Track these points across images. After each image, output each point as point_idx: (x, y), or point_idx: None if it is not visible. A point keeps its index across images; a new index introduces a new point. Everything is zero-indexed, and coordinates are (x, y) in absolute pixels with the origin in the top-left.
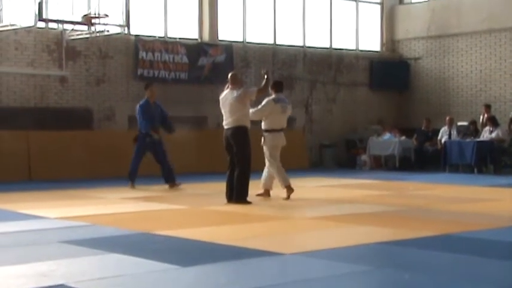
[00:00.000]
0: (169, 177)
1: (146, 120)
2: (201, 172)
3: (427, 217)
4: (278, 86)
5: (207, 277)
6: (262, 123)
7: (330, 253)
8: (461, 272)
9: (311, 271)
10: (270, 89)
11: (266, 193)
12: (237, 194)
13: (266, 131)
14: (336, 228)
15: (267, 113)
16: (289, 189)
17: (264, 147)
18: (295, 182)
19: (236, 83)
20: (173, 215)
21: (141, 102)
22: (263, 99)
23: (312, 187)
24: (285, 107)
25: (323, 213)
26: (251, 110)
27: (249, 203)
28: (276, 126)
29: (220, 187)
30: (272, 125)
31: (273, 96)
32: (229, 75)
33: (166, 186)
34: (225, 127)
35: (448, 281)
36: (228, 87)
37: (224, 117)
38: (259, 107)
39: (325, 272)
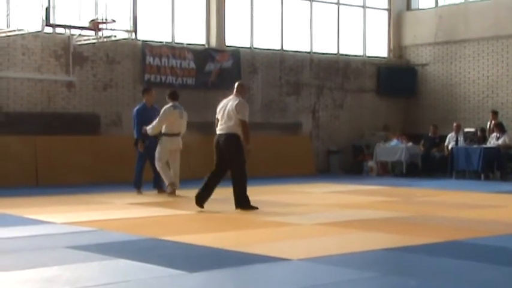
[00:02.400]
0: (159, 183)
1: (139, 126)
2: None
3: (433, 223)
4: (174, 95)
5: (214, 283)
6: (163, 128)
7: (337, 259)
8: (468, 278)
9: (318, 277)
10: (167, 97)
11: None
12: (240, 202)
13: (164, 134)
14: (343, 234)
15: (167, 119)
16: (172, 185)
17: (158, 148)
18: (302, 188)
19: (241, 92)
20: (180, 220)
21: (137, 107)
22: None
23: (318, 193)
24: (182, 113)
25: (330, 219)
26: (151, 126)
27: (256, 208)
28: (175, 130)
29: (226, 192)
30: (171, 130)
31: (171, 104)
32: (237, 83)
33: (155, 192)
34: (218, 132)
35: (453, 287)
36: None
37: (219, 122)
38: (158, 118)
39: (332, 278)
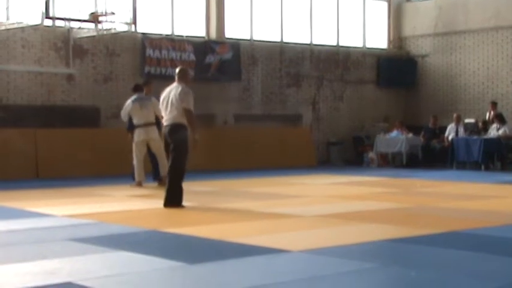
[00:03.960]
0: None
1: None
2: (209, 170)
3: (434, 214)
4: (135, 88)
5: (214, 274)
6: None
7: (337, 250)
8: (467, 268)
9: (319, 268)
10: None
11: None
12: (168, 198)
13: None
14: (343, 225)
15: (127, 112)
16: (139, 185)
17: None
18: (302, 180)
19: (183, 79)
20: (180, 212)
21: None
22: None
23: (319, 184)
24: (143, 103)
25: (330, 210)
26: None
27: (183, 206)
28: (138, 122)
29: (228, 185)
30: (135, 122)
31: (133, 97)
32: (178, 69)
33: (156, 184)
34: (164, 124)
35: (454, 278)
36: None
37: (165, 113)
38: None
39: (332, 269)
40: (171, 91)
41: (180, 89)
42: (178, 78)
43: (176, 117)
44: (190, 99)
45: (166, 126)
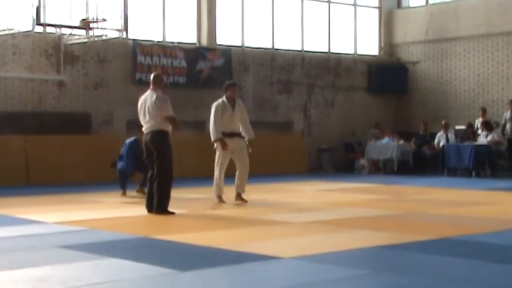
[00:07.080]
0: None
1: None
2: (200, 176)
3: (425, 221)
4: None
5: (206, 282)
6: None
7: (329, 257)
8: (459, 275)
9: (310, 275)
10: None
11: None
12: (158, 204)
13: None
14: (334, 232)
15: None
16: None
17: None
18: (293, 187)
19: (158, 85)
20: (172, 219)
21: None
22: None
23: (310, 191)
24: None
25: (321, 217)
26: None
27: (172, 213)
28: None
29: (213, 191)
30: (224, 130)
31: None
32: (153, 75)
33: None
34: (145, 132)
35: (446, 285)
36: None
37: (143, 121)
38: None
39: (323, 276)
40: (147, 99)
41: (155, 96)
42: (153, 84)
43: (155, 125)
44: (168, 106)
45: (147, 134)
